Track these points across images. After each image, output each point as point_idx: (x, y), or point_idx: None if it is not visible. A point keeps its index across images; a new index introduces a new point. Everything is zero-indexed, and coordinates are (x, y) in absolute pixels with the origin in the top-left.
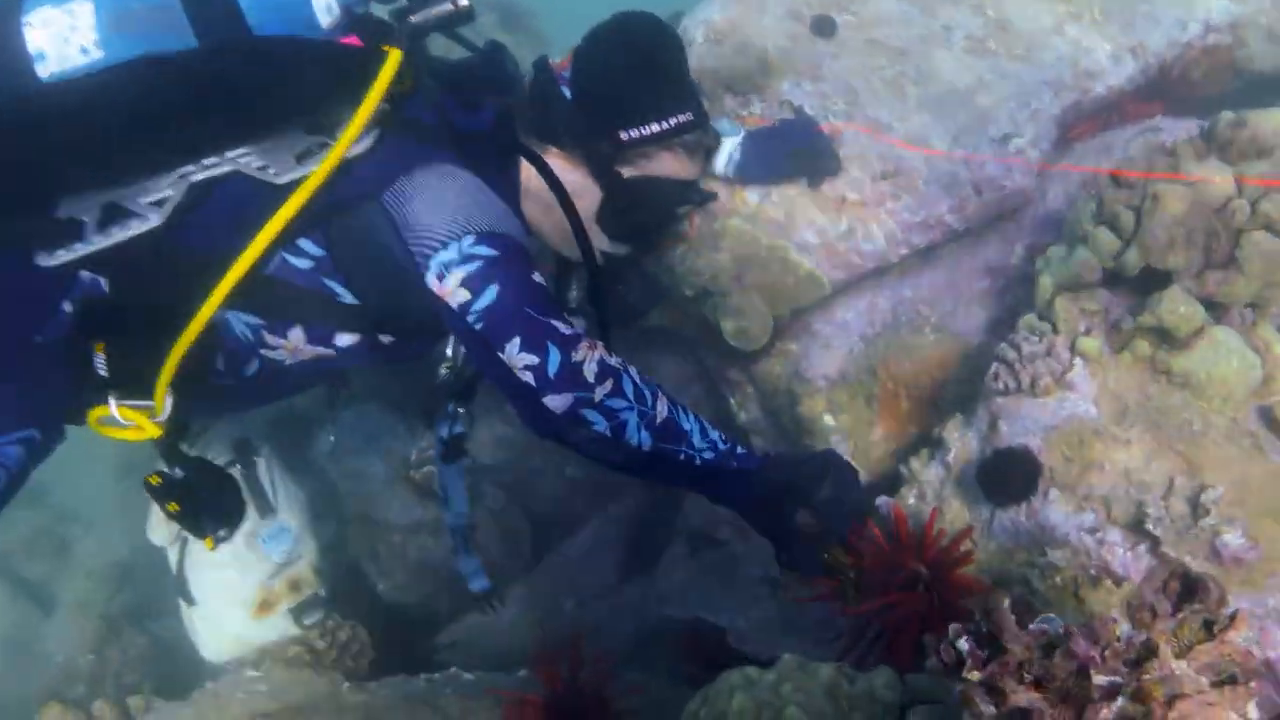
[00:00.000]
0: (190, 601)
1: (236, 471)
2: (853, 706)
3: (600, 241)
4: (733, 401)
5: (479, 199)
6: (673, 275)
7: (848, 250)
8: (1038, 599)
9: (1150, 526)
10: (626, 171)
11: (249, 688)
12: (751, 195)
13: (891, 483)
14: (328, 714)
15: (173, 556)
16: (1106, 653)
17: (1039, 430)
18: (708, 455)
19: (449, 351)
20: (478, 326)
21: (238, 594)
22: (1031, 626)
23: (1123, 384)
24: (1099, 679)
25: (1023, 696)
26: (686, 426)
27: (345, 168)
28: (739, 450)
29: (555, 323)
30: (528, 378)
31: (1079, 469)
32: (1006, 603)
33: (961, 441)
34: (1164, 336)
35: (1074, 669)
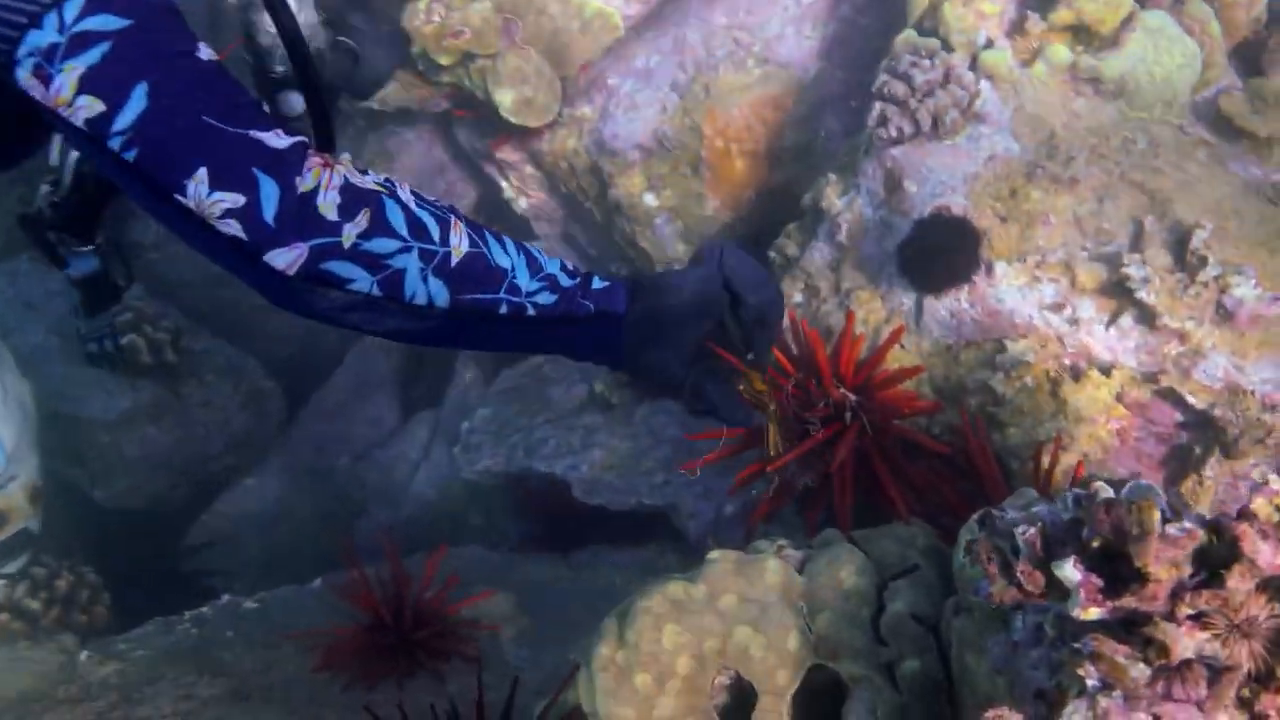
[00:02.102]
0: None
1: None
2: (818, 607)
3: None
4: (506, 186)
5: None
6: (416, 39)
7: None
8: (1006, 410)
9: (1135, 289)
10: None
11: None
12: None
13: None
14: (66, 703)
15: None
16: None
17: (958, 184)
18: (544, 300)
19: (53, 156)
20: (128, 156)
21: None
22: (1170, 528)
23: (1042, 105)
24: None
25: (1186, 640)
26: (503, 262)
27: None
28: (595, 283)
29: (258, 134)
30: (232, 228)
31: (1020, 227)
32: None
33: (851, 211)
34: (1084, 33)
35: (1255, 589)
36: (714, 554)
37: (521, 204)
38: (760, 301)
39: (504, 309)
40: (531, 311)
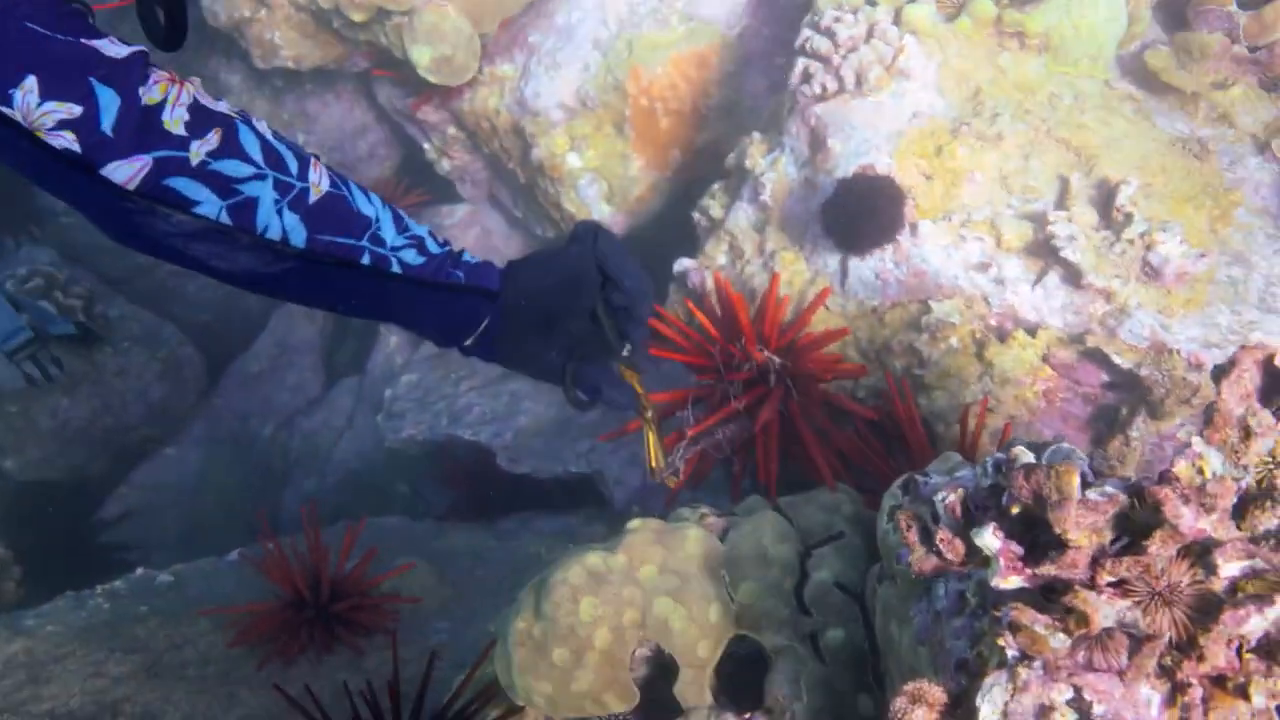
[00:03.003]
0: None
1: None
2: (740, 576)
3: None
4: (429, 147)
5: None
6: None
7: None
8: (931, 371)
9: (1060, 248)
10: None
11: None
12: None
13: (663, 231)
14: None
15: None
16: (1215, 517)
17: (882, 141)
18: (411, 258)
19: None
20: None
21: None
22: (1090, 493)
23: (967, 60)
24: (1227, 566)
25: (1107, 608)
26: (366, 210)
27: None
28: (466, 257)
29: (91, 40)
30: (64, 140)
31: (945, 185)
32: (1065, 449)
33: (775, 170)
34: None
35: (1177, 555)
36: (634, 523)
37: (445, 165)
38: (633, 288)
39: (366, 259)
40: (396, 268)
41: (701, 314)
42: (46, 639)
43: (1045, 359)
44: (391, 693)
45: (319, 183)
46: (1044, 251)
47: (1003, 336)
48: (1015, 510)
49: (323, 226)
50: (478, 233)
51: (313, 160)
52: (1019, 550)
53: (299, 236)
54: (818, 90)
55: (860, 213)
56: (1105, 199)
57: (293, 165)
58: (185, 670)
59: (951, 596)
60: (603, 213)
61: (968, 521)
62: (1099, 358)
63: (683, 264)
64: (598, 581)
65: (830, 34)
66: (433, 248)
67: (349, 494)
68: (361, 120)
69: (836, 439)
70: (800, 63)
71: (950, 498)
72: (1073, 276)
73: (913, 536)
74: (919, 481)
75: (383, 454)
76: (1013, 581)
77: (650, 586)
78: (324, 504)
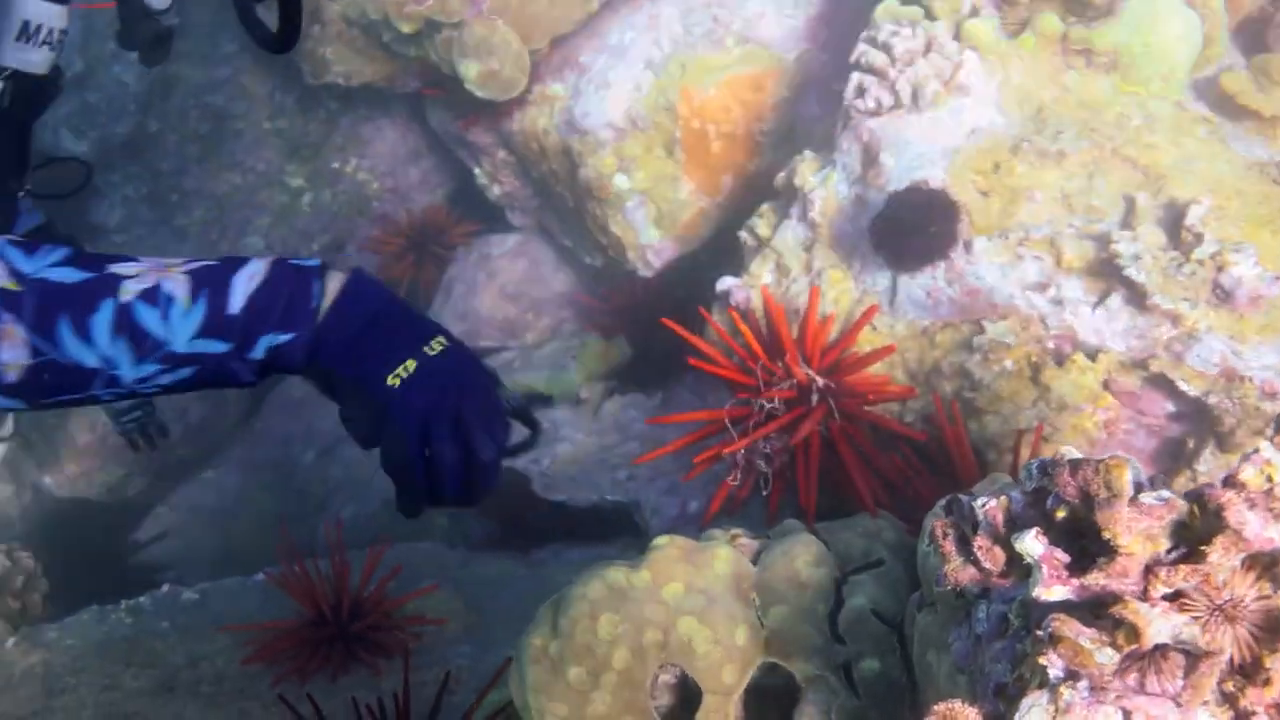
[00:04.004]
0: None
1: None
2: (770, 599)
3: None
4: (479, 172)
5: None
6: (376, 5)
7: None
8: (983, 395)
9: (1124, 266)
10: None
11: None
12: None
13: (716, 255)
14: None
15: None
16: None
17: (937, 157)
18: (165, 380)
19: None
20: None
21: None
22: (1145, 496)
23: (1031, 77)
24: None
25: (1161, 623)
26: (90, 361)
27: None
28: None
29: None
30: None
31: (1003, 203)
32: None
33: (825, 187)
34: (1076, 3)
35: (1241, 566)
36: (660, 539)
37: (495, 191)
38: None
39: (106, 396)
40: (159, 387)
41: (745, 327)
42: (65, 651)
43: (1106, 385)
44: (400, 710)
45: (17, 360)
46: (1107, 271)
47: (1061, 360)
48: (1061, 515)
49: (36, 395)
50: (526, 264)
51: (4, 329)
52: (1064, 558)
53: (18, 406)
54: (871, 105)
55: (912, 227)
56: (1174, 221)
57: None
58: (200, 686)
59: (993, 619)
60: (651, 238)
61: (1009, 530)
62: (1164, 384)
63: (726, 282)
64: (619, 598)
65: (887, 48)
66: (216, 349)
67: (387, 523)
68: (414, 146)
69: (879, 463)
70: (855, 77)
71: (991, 503)
72: (1137, 298)
73: (949, 545)
74: (963, 501)
75: None
76: (1057, 592)
77: (675, 605)
78: (361, 532)
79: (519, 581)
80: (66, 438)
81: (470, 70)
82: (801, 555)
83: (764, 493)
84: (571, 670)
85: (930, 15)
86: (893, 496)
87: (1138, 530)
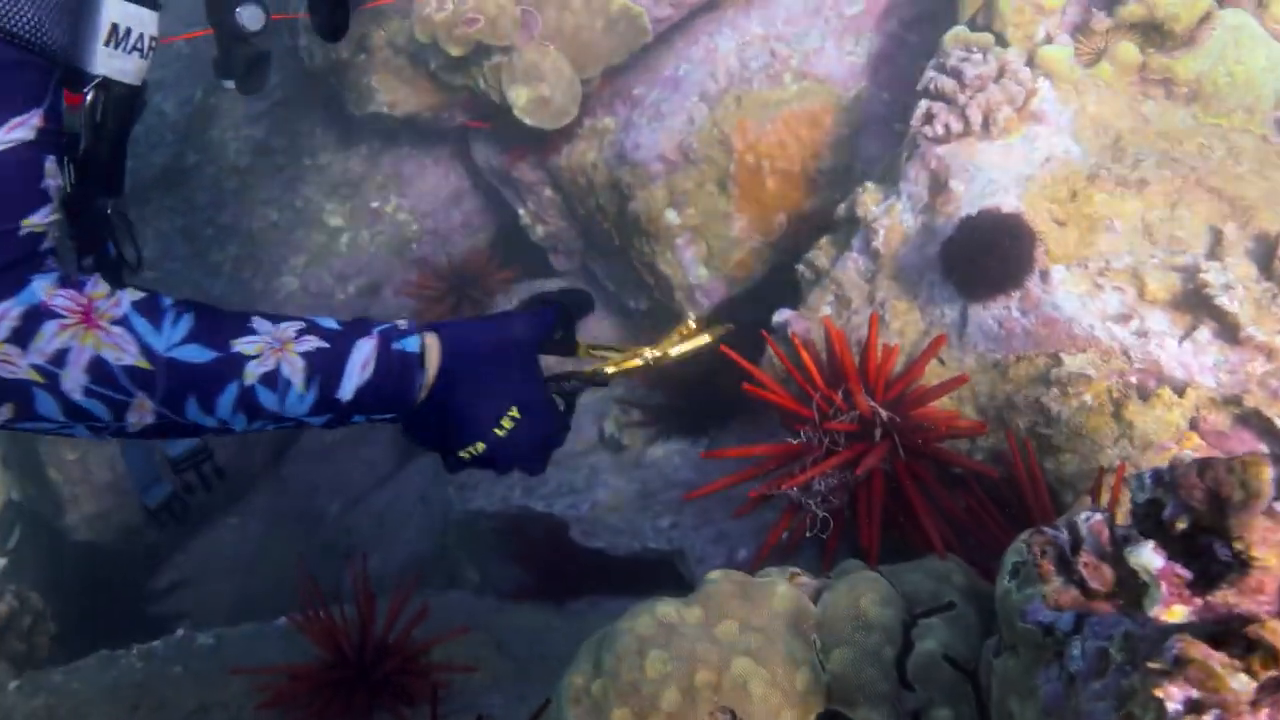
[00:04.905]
0: None
1: None
2: (833, 641)
3: None
4: (523, 212)
5: None
6: (426, 28)
7: None
8: (1059, 431)
9: (1214, 295)
10: None
11: None
12: None
13: (758, 292)
14: None
15: None
16: None
17: (1010, 184)
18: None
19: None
20: None
21: None
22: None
23: (1108, 106)
24: None
25: None
26: (208, 422)
27: None
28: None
29: None
30: None
31: (1081, 232)
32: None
33: (890, 216)
34: (1155, 33)
35: None
36: (714, 574)
37: (538, 231)
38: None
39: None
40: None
41: (806, 354)
42: (71, 695)
43: (1194, 424)
44: None
45: (141, 420)
46: (1193, 304)
47: (1145, 395)
48: (1181, 526)
49: (146, 437)
50: None
51: (135, 402)
52: (1186, 574)
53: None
54: (940, 131)
55: (985, 252)
56: (1265, 253)
57: (102, 412)
58: None
59: (1090, 656)
60: (700, 277)
61: (1116, 549)
62: (1258, 423)
63: (783, 314)
64: (669, 633)
65: (956, 73)
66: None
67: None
68: (457, 186)
69: (948, 506)
70: (922, 104)
71: (1096, 518)
72: (1228, 330)
73: (1048, 565)
74: (1049, 533)
75: (451, 536)
76: (1178, 613)
77: (729, 644)
78: (387, 584)
79: (554, 631)
80: (85, 473)
81: (520, 96)
82: (867, 594)
83: (821, 535)
84: (615, 712)
85: (1002, 41)
86: (959, 537)
87: (1276, 541)
